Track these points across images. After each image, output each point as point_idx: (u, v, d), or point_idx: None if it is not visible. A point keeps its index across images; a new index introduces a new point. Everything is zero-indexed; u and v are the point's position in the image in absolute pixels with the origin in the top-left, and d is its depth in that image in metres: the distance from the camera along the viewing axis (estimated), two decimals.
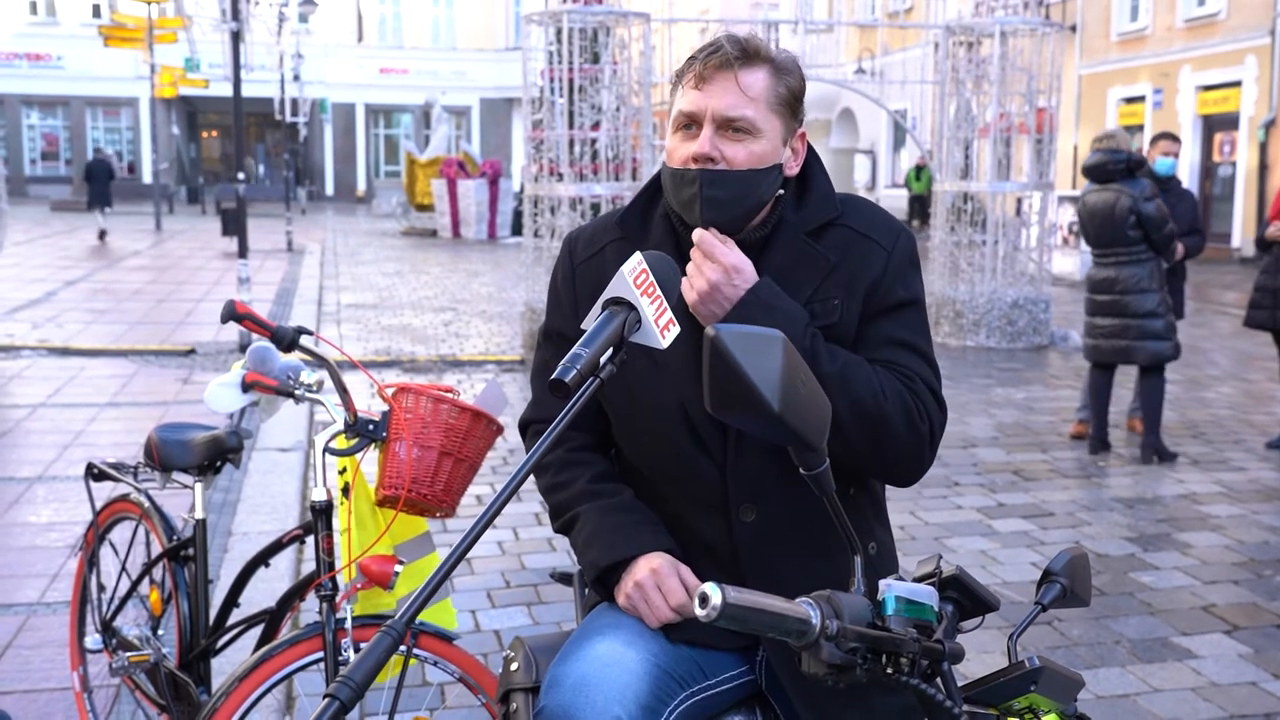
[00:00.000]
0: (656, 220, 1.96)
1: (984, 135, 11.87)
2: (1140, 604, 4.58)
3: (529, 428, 2.09)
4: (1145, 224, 6.58)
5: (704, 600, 1.16)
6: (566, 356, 1.49)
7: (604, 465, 2.00)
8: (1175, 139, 7.45)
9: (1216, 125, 22.89)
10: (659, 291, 1.56)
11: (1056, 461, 6.83)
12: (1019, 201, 12.56)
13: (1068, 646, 4.15)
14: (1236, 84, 22.01)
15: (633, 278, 1.56)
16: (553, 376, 1.47)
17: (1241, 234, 21.65)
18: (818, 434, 1.30)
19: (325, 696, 1.21)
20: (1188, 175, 21.98)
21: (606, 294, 1.58)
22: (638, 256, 1.59)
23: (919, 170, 26.74)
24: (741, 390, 1.25)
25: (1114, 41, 25.52)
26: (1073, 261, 17.75)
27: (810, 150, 1.97)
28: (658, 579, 1.80)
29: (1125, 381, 7.68)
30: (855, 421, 1.76)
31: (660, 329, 1.54)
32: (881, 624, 1.27)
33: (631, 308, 1.55)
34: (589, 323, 1.56)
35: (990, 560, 5.06)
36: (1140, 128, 23.76)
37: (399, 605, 2.77)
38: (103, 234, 23.30)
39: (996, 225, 11.69)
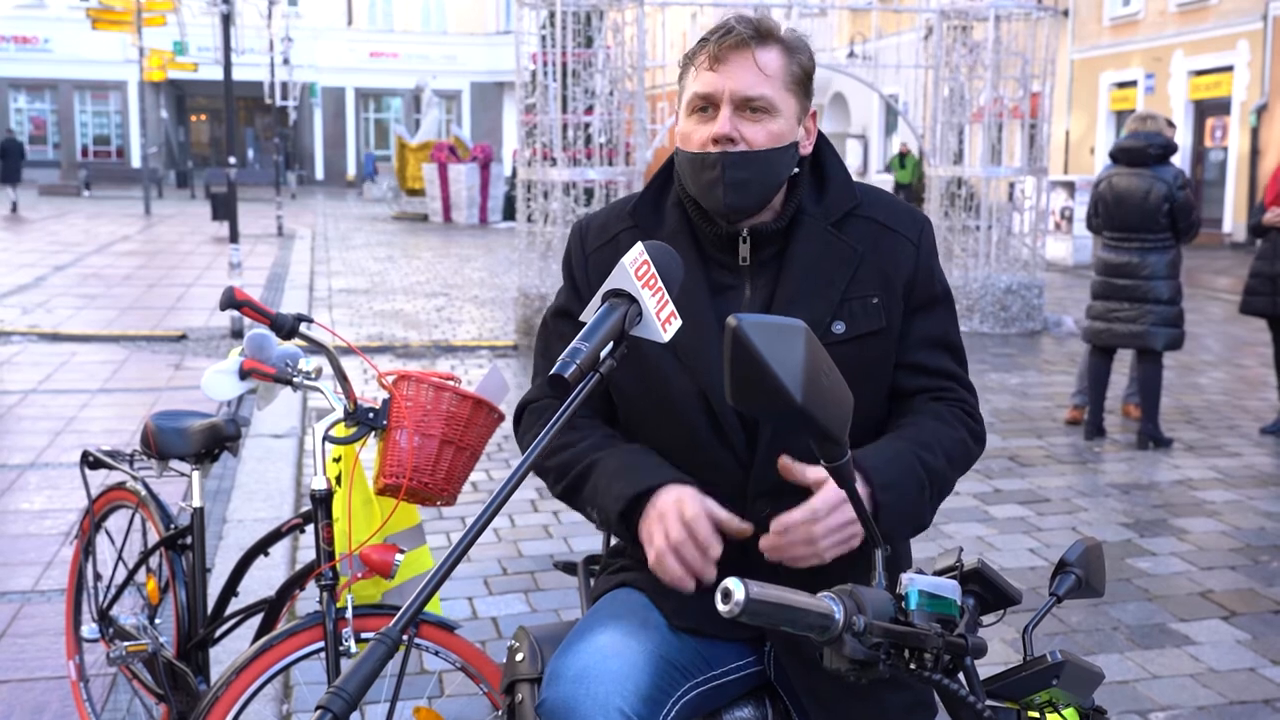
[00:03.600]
0: (669, 210, 1.94)
1: (977, 120, 11.83)
2: (1138, 590, 4.59)
3: (527, 408, 2.00)
4: (1177, 212, 6.56)
5: (726, 596, 1.14)
6: (565, 351, 1.46)
7: (611, 429, 1.93)
8: (1170, 124, 7.43)
9: (1208, 110, 22.90)
10: (660, 283, 1.53)
11: (1052, 447, 6.83)
12: (1011, 187, 12.55)
13: (1066, 633, 4.15)
14: (1228, 69, 22.02)
15: (634, 269, 1.53)
16: (552, 371, 1.44)
17: (1233, 219, 21.69)
18: (840, 425, 1.28)
19: (317, 709, 1.19)
20: (1180, 160, 21.99)
21: (606, 286, 1.55)
22: (639, 247, 1.57)
23: (902, 158, 26.61)
24: (764, 382, 1.23)
25: (1106, 26, 25.49)
26: (1065, 247, 17.77)
27: (822, 137, 1.95)
28: (692, 529, 1.67)
29: (1119, 367, 7.68)
30: (958, 473, 1.87)
31: (662, 322, 1.51)
32: (904, 618, 1.26)
33: (632, 300, 1.52)
34: (588, 315, 1.53)
35: (988, 547, 5.05)
36: (1132, 112, 23.75)
37: (385, 597, 2.76)
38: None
39: (990, 210, 11.68)
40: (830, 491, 1.64)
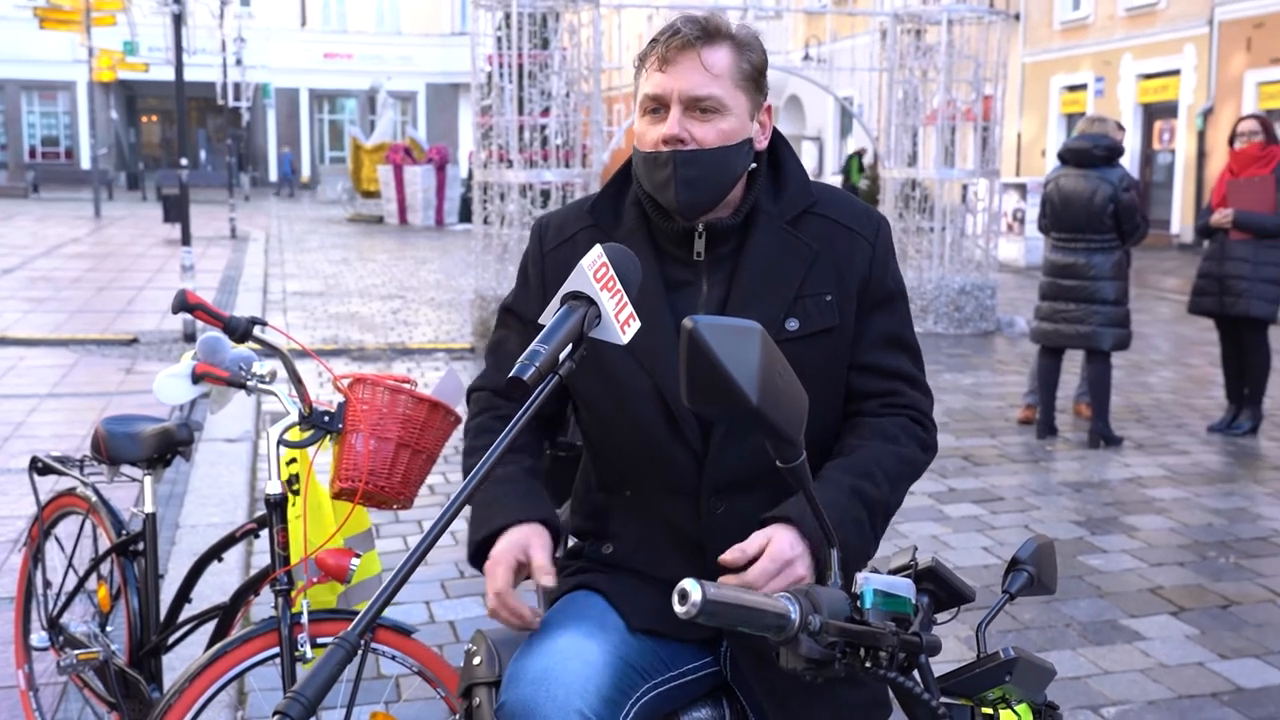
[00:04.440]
0: (627, 208, 1.95)
1: (931, 122, 11.95)
2: (1089, 587, 4.65)
3: (473, 394, 2.09)
4: (1121, 213, 6.65)
5: (683, 597, 1.15)
6: (525, 353, 1.46)
7: (522, 437, 1.96)
8: (1120, 126, 7.54)
9: (1156, 113, 23.25)
10: (619, 285, 1.53)
11: (1005, 446, 6.90)
12: (964, 188, 12.68)
13: (1019, 630, 4.20)
14: (1175, 73, 22.36)
15: (592, 271, 1.53)
16: (511, 374, 1.44)
17: (1180, 220, 22.03)
18: (795, 427, 1.29)
19: (275, 713, 1.18)
20: (1129, 162, 22.30)
21: (565, 288, 1.55)
22: (597, 249, 1.57)
23: (860, 158, 26.75)
24: (719, 383, 1.24)
25: (1057, 30, 25.81)
26: (1017, 248, 17.96)
27: (780, 136, 1.96)
28: (502, 601, 1.76)
29: (1070, 367, 7.78)
30: (904, 489, 1.88)
31: (620, 324, 1.52)
32: (859, 617, 1.27)
33: (591, 302, 1.52)
34: (547, 317, 1.54)
35: (942, 545, 5.10)
36: (1082, 115, 24.07)
37: (339, 601, 2.75)
38: None
39: (943, 212, 11.79)
40: (763, 564, 1.63)
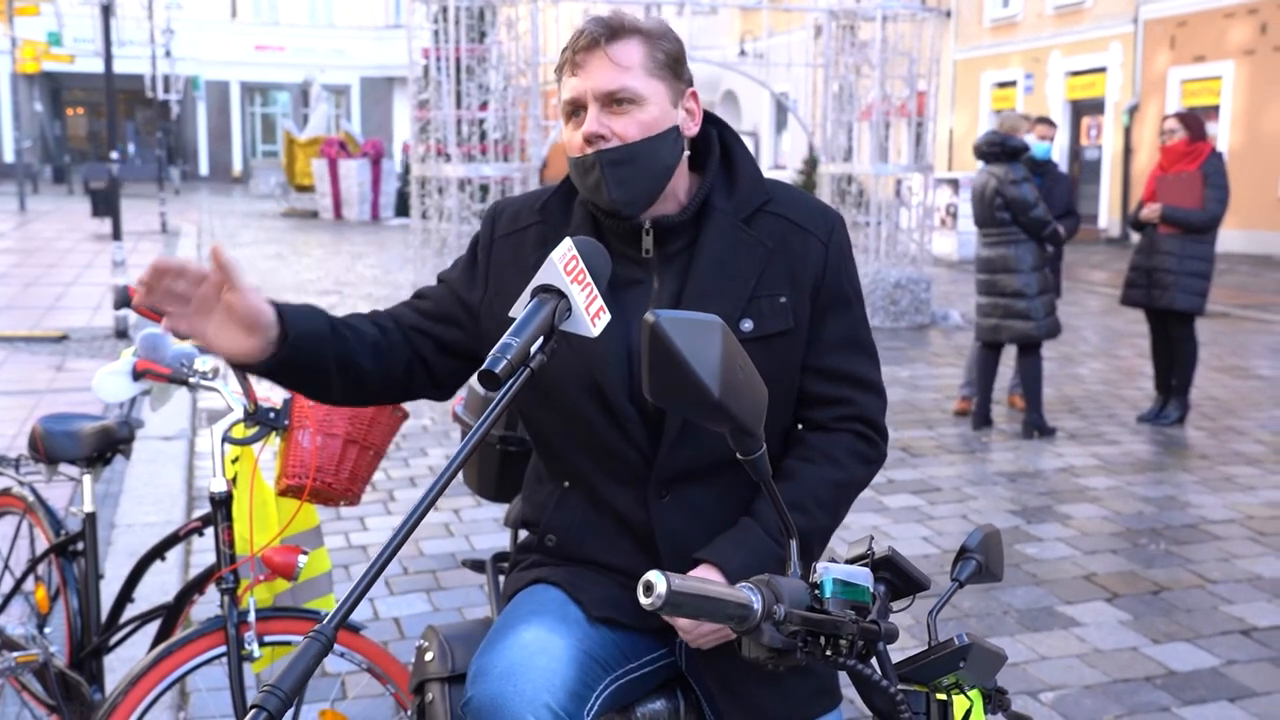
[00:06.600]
0: (576, 207, 1.94)
1: (865, 118, 12.07)
2: (1026, 575, 4.73)
3: None
4: (1009, 206, 6.78)
5: (648, 589, 1.16)
6: (496, 346, 1.46)
7: (372, 331, 1.89)
8: (1051, 123, 7.68)
9: (1084, 109, 23.68)
10: (589, 278, 1.54)
11: (942, 438, 7.00)
12: (898, 183, 12.81)
13: (959, 618, 4.27)
14: (1102, 70, 22.79)
15: (563, 265, 1.53)
16: (483, 367, 1.44)
17: (1108, 215, 22.46)
18: (755, 419, 1.31)
19: (253, 707, 1.17)
20: (1058, 158, 22.69)
21: (536, 281, 1.55)
22: (568, 243, 1.57)
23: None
24: (682, 377, 1.25)
25: (987, 27, 26.18)
26: (951, 242, 18.20)
27: (731, 132, 1.96)
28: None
29: (1006, 359, 7.91)
30: (844, 510, 1.92)
31: (591, 317, 1.52)
32: (820, 606, 1.29)
33: (561, 295, 1.53)
34: (518, 310, 1.53)
35: (883, 536, 5.17)
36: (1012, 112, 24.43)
37: (276, 600, 2.73)
38: None
39: (879, 207, 11.92)
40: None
